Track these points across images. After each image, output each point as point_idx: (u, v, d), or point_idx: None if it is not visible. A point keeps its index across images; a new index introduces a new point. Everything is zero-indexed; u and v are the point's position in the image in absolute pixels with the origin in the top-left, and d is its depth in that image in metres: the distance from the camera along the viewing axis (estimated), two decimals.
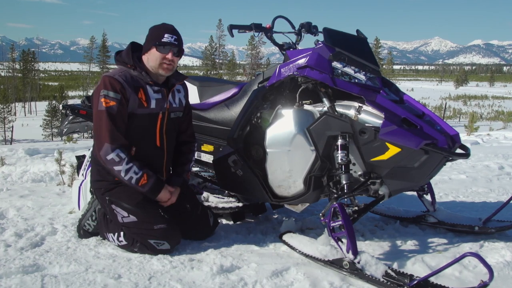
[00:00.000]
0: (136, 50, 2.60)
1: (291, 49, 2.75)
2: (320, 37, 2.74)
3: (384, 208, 3.17)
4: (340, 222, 2.20)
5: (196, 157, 3.03)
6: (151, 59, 2.53)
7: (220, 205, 3.03)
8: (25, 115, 46.74)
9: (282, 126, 2.54)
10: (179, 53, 2.56)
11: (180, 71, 2.82)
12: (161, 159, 2.66)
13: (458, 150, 2.40)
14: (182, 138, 2.81)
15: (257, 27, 2.80)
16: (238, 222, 3.10)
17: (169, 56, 2.51)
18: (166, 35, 2.50)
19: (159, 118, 2.58)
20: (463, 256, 1.87)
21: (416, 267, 2.29)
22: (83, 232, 2.77)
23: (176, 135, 2.76)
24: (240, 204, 2.98)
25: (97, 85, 2.52)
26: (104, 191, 2.58)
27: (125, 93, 2.45)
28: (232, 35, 2.80)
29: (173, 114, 2.66)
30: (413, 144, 2.22)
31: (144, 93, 2.52)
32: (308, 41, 2.89)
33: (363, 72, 2.44)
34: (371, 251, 2.51)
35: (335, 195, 2.41)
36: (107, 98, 2.42)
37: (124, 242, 2.54)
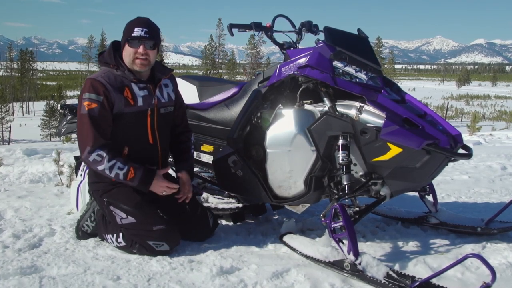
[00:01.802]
0: (118, 49, 2.57)
1: (292, 48, 2.73)
2: (321, 36, 2.71)
3: (386, 209, 3.15)
4: (341, 223, 2.19)
5: (196, 157, 3.02)
6: (125, 55, 2.50)
7: (220, 206, 3.01)
8: (23, 115, 46.66)
9: (283, 126, 2.53)
10: (154, 46, 2.51)
11: (179, 71, 2.78)
12: (156, 157, 2.63)
13: (460, 150, 2.39)
14: (178, 130, 2.80)
15: (257, 26, 2.79)
16: (238, 223, 3.08)
17: (141, 50, 2.45)
18: (136, 29, 2.45)
19: (148, 114, 2.55)
20: (465, 258, 1.85)
21: (418, 269, 2.28)
22: (81, 233, 2.76)
23: (171, 130, 2.75)
24: (240, 205, 2.96)
25: (82, 88, 2.50)
26: (102, 192, 2.56)
27: (108, 95, 2.42)
28: (232, 34, 2.78)
29: (163, 110, 2.63)
30: (415, 144, 2.21)
31: (130, 91, 2.49)
32: (308, 40, 2.87)
33: (364, 72, 2.43)
34: (373, 252, 2.49)
35: (336, 196, 2.40)
36: (88, 100, 2.40)
37: (123, 243, 2.52)
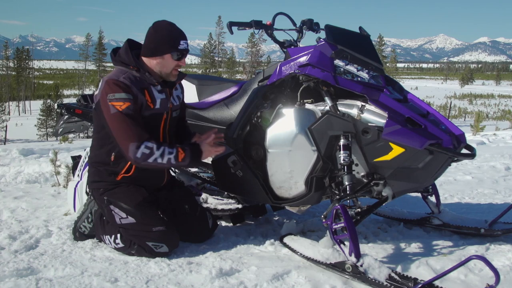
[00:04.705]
0: (133, 48, 2.54)
1: (292, 47, 2.70)
2: (322, 34, 2.69)
3: (388, 210, 3.12)
4: (342, 224, 2.17)
5: None
6: (164, 64, 2.47)
7: (220, 207, 2.99)
8: (19, 114, 46.63)
9: (283, 126, 2.50)
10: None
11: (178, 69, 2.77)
12: None
13: (464, 150, 2.36)
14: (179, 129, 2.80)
15: (257, 24, 2.76)
16: (237, 224, 3.05)
17: (183, 63, 2.49)
18: (182, 42, 2.46)
19: (163, 118, 2.55)
20: (468, 259, 1.83)
21: (421, 270, 2.25)
22: (78, 234, 2.73)
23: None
24: (240, 206, 2.94)
25: (100, 91, 2.43)
26: (103, 191, 2.54)
27: (133, 94, 2.41)
28: (232, 32, 2.75)
29: (174, 113, 2.64)
30: (417, 144, 2.18)
31: (149, 94, 2.48)
32: (309, 39, 2.87)
33: (366, 70, 2.40)
34: (374, 254, 2.47)
35: (337, 197, 2.37)
36: (118, 101, 2.36)
37: (121, 245, 2.49)
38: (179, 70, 2.64)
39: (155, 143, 2.39)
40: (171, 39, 2.45)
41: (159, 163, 2.39)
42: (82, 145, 8.68)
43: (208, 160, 2.93)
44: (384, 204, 2.51)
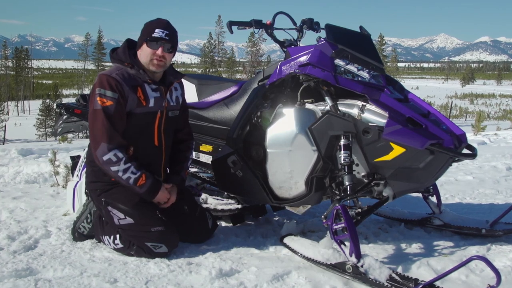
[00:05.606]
0: (132, 47, 2.54)
1: (292, 46, 2.70)
2: (322, 33, 2.69)
3: (389, 210, 3.12)
4: (343, 225, 2.16)
5: (194, 157, 2.99)
6: (142, 55, 2.48)
7: (219, 207, 2.98)
8: (18, 114, 46.58)
9: (283, 126, 2.49)
10: (172, 49, 2.50)
11: (178, 69, 2.76)
12: (159, 159, 2.61)
13: (465, 150, 2.35)
14: (179, 136, 2.77)
15: (257, 24, 2.76)
16: (237, 225, 3.04)
17: (159, 52, 2.44)
18: (157, 30, 2.43)
19: (158, 117, 2.53)
20: (469, 260, 1.83)
21: (421, 271, 2.25)
22: (77, 235, 2.72)
23: (174, 133, 2.72)
24: (240, 206, 2.93)
25: (93, 84, 2.45)
26: (100, 192, 2.53)
27: (123, 92, 2.39)
28: (232, 32, 2.75)
29: (171, 113, 2.62)
30: (418, 144, 2.18)
31: (143, 91, 2.47)
32: (310, 38, 2.87)
33: (367, 70, 2.40)
34: (375, 255, 2.46)
35: (338, 197, 2.36)
36: (103, 97, 2.36)
37: (120, 245, 2.48)
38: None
39: (126, 156, 2.39)
40: (147, 28, 2.46)
41: (117, 176, 2.39)
42: (81, 145, 8.66)
43: (208, 160, 2.93)
44: (384, 204, 2.51)
